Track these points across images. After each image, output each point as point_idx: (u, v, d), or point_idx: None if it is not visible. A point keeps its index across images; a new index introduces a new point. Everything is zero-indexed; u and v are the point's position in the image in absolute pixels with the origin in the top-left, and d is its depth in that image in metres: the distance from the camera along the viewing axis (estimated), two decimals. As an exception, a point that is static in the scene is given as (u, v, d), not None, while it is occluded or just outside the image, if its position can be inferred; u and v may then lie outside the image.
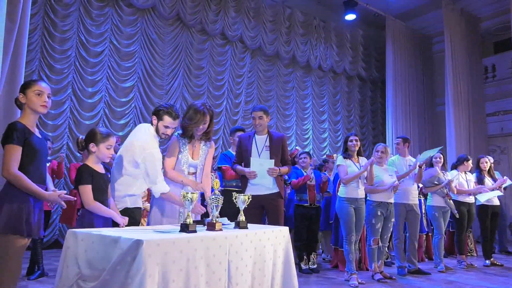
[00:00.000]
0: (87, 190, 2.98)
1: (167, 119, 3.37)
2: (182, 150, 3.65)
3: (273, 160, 4.38)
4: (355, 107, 12.51)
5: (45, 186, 2.88)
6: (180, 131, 3.68)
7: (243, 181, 4.55)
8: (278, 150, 4.50)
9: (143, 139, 3.31)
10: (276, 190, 4.43)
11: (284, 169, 4.52)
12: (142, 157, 3.22)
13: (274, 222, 4.27)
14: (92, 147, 3.08)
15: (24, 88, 2.81)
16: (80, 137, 3.20)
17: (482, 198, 6.48)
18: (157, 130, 3.41)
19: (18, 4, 4.90)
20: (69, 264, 2.39)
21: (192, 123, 3.55)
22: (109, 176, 3.30)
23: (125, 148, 3.33)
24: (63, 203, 2.82)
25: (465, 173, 6.64)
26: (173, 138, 3.66)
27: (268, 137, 4.54)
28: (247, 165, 4.45)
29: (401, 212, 5.69)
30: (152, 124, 3.44)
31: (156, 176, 3.24)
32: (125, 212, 3.25)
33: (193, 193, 2.80)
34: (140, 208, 3.44)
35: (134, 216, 3.29)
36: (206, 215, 3.51)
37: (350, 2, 10.07)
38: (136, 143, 3.27)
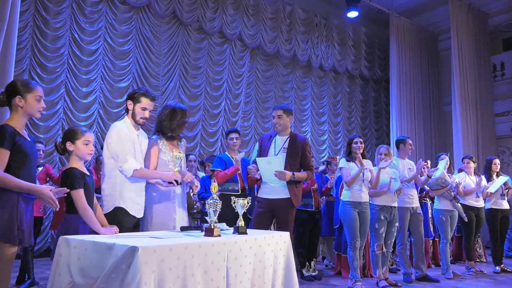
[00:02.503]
0: (81, 195, 2.86)
1: (144, 100, 3.34)
2: (164, 151, 3.56)
3: (279, 157, 4.19)
4: (356, 108, 12.29)
5: None
6: (156, 136, 3.60)
7: (259, 184, 4.48)
8: (296, 153, 4.32)
9: (114, 124, 3.34)
10: (286, 195, 4.21)
11: (301, 174, 4.31)
12: (111, 139, 3.20)
13: (283, 228, 4.10)
14: (69, 146, 2.97)
15: (24, 91, 2.72)
16: (58, 140, 3.07)
17: (493, 189, 6.29)
18: (133, 116, 3.35)
19: (7, 1, 4.78)
20: (61, 272, 2.35)
21: (182, 122, 3.59)
22: (93, 178, 3.16)
23: (105, 146, 3.29)
24: (55, 200, 2.63)
25: (476, 174, 6.42)
26: (152, 142, 3.57)
27: (288, 139, 4.39)
28: None
29: (405, 216, 5.55)
30: (127, 110, 3.38)
31: (125, 154, 3.17)
32: (117, 211, 3.19)
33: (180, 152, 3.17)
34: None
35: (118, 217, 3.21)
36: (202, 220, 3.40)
37: (353, -1, 9.81)
38: (109, 131, 3.29)
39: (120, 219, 3.17)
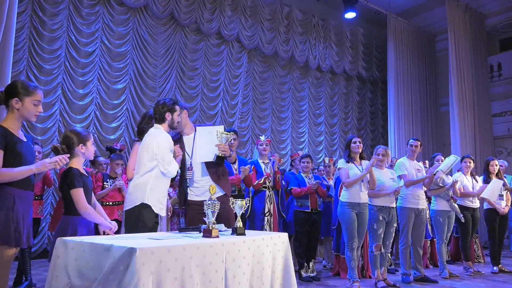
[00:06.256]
0: (80, 194, 2.89)
1: (178, 108, 3.71)
2: None
3: (222, 127, 3.88)
4: (353, 109, 12.30)
5: (33, 192, 2.80)
6: (138, 139, 3.93)
7: (180, 188, 4.07)
8: None
9: (153, 131, 3.58)
10: (220, 193, 3.87)
11: (234, 154, 4.27)
12: (156, 143, 3.43)
13: (227, 225, 3.78)
14: (81, 148, 3.01)
15: (23, 94, 2.69)
16: (57, 144, 3.05)
17: (486, 194, 6.24)
18: (172, 123, 3.66)
19: (4, 2, 4.76)
20: (59, 274, 2.34)
21: (149, 127, 3.77)
22: (91, 179, 3.23)
23: (143, 150, 3.49)
24: (57, 164, 2.65)
25: (472, 175, 6.38)
26: (136, 144, 3.91)
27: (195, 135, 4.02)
28: (182, 169, 3.97)
29: (409, 217, 5.53)
30: (164, 121, 3.62)
31: (169, 157, 3.46)
32: (142, 207, 3.35)
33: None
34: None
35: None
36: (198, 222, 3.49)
37: (350, 0, 9.78)
38: (149, 136, 3.53)
39: (143, 215, 3.34)
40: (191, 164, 3.90)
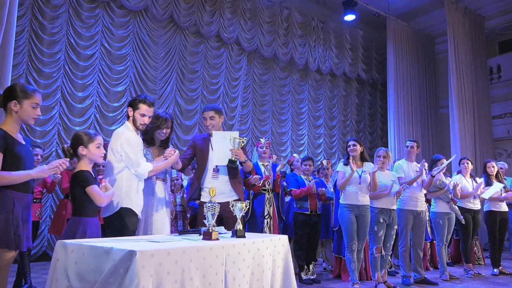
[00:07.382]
0: (96, 190, 2.92)
1: (142, 107, 3.45)
2: (146, 156, 3.67)
3: (237, 132, 4.01)
4: (352, 111, 12.31)
5: (32, 195, 2.83)
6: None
7: (193, 187, 4.13)
8: None
9: (118, 130, 3.44)
10: (234, 197, 3.99)
11: (250, 163, 4.20)
12: (119, 144, 3.30)
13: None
14: (81, 150, 2.99)
15: (22, 97, 2.70)
16: (65, 145, 3.08)
17: (486, 195, 6.28)
18: (134, 122, 3.47)
19: (4, 5, 4.76)
20: (59, 277, 2.34)
21: (153, 126, 3.71)
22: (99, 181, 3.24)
23: (109, 151, 3.38)
24: (57, 169, 2.68)
25: (472, 177, 6.37)
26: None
27: None
28: (202, 167, 4.06)
29: (408, 219, 5.55)
30: (128, 117, 3.50)
31: (138, 158, 3.33)
32: (123, 211, 3.27)
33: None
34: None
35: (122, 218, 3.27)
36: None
37: (350, 2, 9.82)
38: (113, 137, 3.39)
39: (125, 219, 3.26)
40: (217, 166, 3.99)
